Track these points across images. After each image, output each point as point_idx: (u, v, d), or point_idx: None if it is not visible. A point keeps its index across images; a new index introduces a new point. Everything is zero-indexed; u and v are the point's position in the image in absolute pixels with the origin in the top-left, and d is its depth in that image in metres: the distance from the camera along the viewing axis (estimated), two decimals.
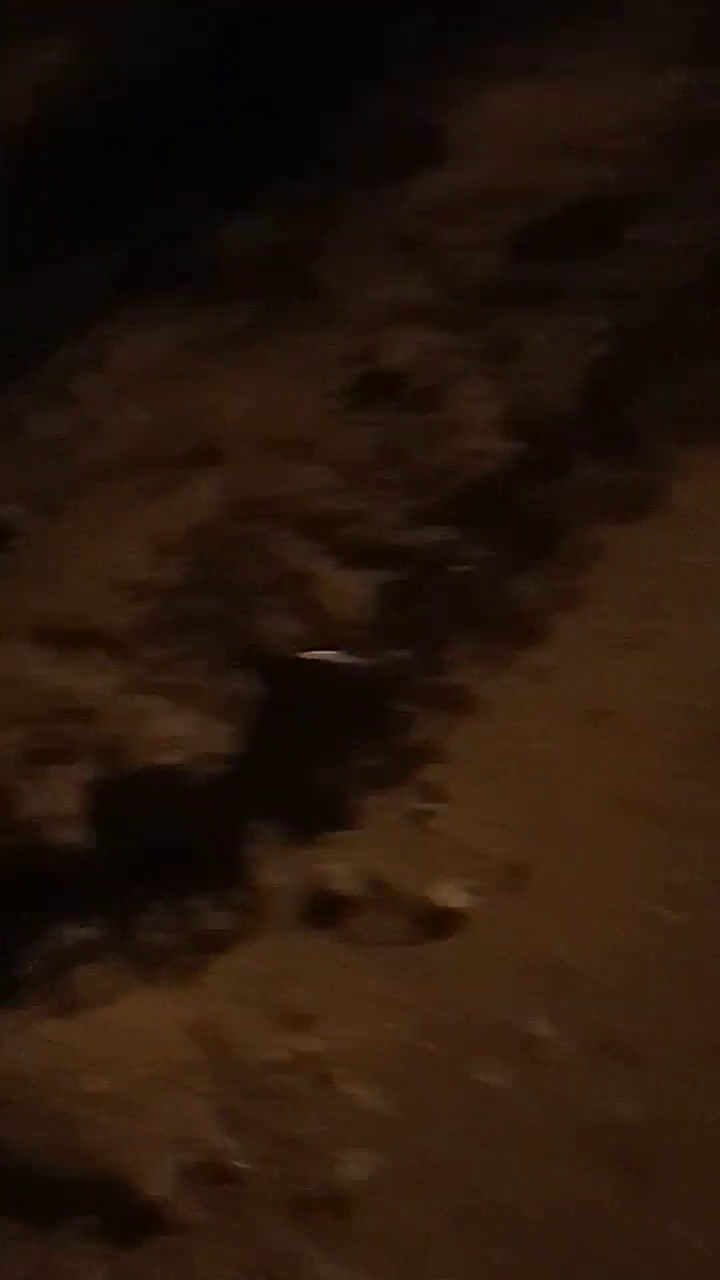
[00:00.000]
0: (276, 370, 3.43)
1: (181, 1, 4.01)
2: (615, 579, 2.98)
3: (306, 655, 2.95)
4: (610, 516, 3.06)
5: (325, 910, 2.64)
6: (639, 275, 3.45)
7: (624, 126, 3.65)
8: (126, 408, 3.41)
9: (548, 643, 2.94)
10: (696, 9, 3.88)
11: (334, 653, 2.98)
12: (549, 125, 3.75)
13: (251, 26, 3.96)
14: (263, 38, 4.01)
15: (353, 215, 3.69)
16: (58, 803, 2.80)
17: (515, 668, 2.87)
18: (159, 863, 2.71)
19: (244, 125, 3.86)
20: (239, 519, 3.19)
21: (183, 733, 2.83)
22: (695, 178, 3.57)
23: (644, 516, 3.08)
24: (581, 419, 3.20)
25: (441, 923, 2.62)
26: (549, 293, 3.47)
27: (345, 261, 3.56)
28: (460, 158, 3.71)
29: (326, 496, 3.19)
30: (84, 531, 3.22)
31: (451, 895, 2.65)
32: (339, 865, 2.69)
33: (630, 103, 3.68)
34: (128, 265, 3.62)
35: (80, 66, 3.92)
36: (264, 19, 3.95)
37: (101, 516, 3.24)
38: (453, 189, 3.72)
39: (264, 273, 3.62)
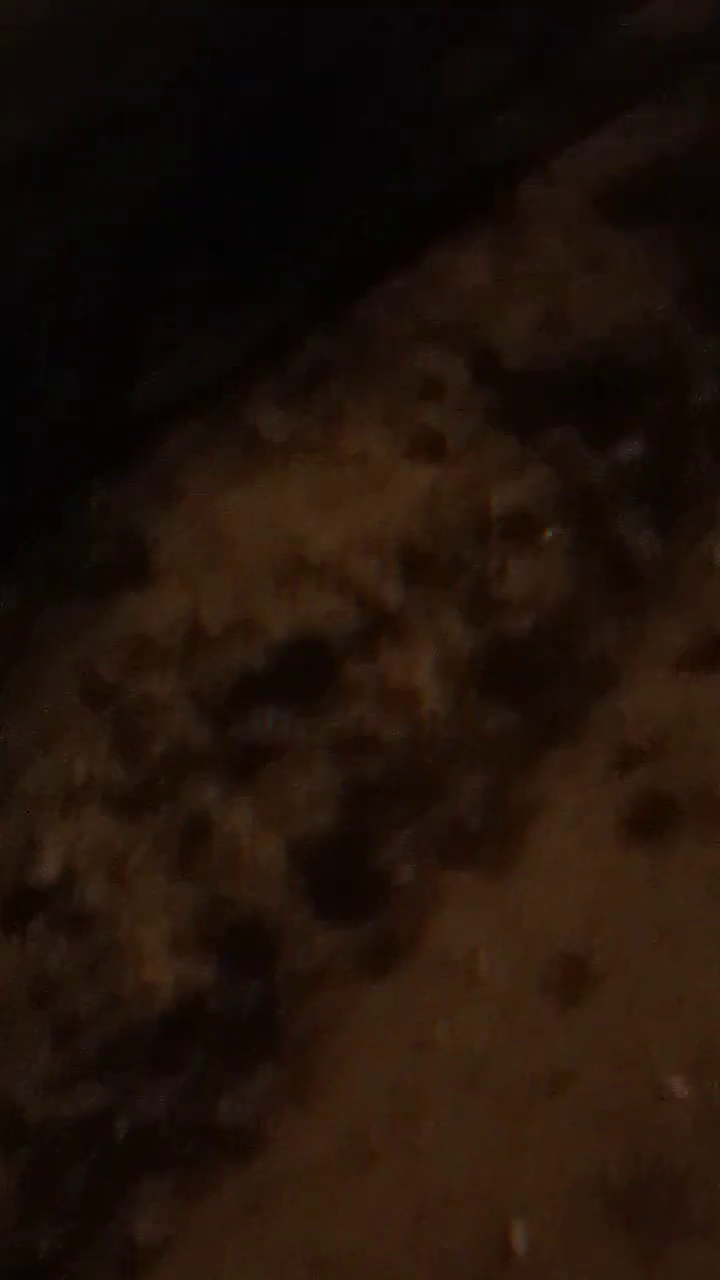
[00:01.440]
0: None
1: None
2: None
3: None
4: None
5: None
6: (371, 720, 2.82)
7: (364, 543, 2.97)
8: None
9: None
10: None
11: None
12: (274, 543, 3.07)
13: None
14: None
15: (40, 643, 3.08)
16: None
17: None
18: None
19: None
20: None
21: None
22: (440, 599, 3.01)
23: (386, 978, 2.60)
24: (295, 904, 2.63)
25: None
26: (259, 756, 2.84)
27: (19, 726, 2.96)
28: (167, 580, 3.00)
29: None
30: None
31: None
32: None
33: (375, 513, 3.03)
34: None
35: None
36: None
37: None
38: (154, 621, 3.04)
39: None
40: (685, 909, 2.70)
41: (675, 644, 3.01)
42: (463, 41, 3.90)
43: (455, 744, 2.80)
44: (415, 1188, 2.40)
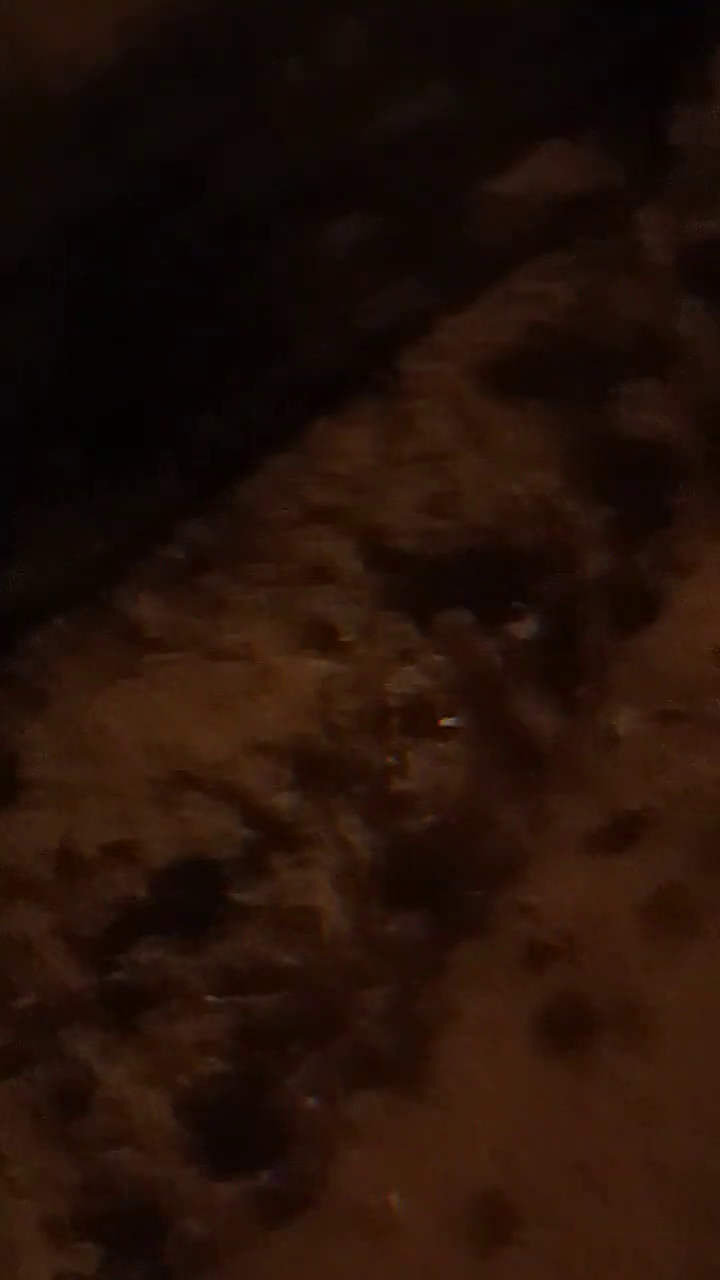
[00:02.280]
0: None
1: None
2: None
3: None
4: None
5: None
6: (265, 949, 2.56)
7: (253, 747, 2.68)
8: None
9: None
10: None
11: None
12: (155, 752, 2.80)
13: None
14: None
15: None
16: None
17: None
18: None
19: None
20: None
21: None
22: None
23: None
24: None
25: None
26: (142, 1000, 2.54)
27: None
28: (35, 798, 2.72)
29: None
30: None
31: None
32: None
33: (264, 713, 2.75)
34: None
35: None
36: None
37: None
38: (21, 847, 2.71)
39: None
40: (609, 1139, 2.50)
41: (581, 826, 2.89)
42: (335, 212, 3.94)
43: (357, 961, 2.58)
44: None
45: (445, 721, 2.85)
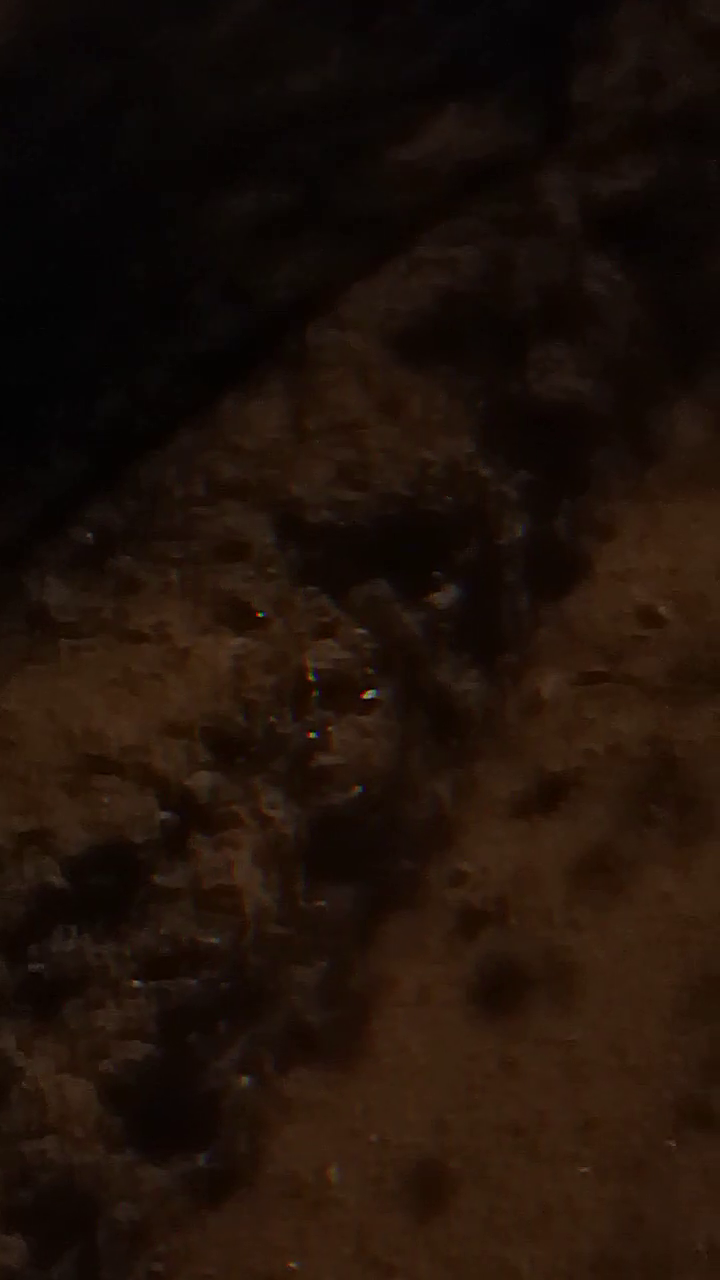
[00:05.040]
0: None
1: None
2: None
3: None
4: None
5: None
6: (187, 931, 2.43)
7: (167, 729, 2.58)
8: None
9: None
10: None
11: None
12: (67, 738, 2.64)
13: None
14: None
15: None
16: None
17: None
18: None
19: None
20: None
21: None
22: None
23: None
24: None
25: None
26: (62, 989, 2.40)
27: None
28: None
29: None
30: None
31: None
32: None
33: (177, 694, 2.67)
34: None
35: None
36: None
37: None
38: None
39: None
40: (539, 1098, 2.51)
41: (509, 790, 2.91)
42: (236, 181, 3.78)
43: (285, 937, 2.58)
44: None
45: (367, 694, 2.82)
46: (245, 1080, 2.45)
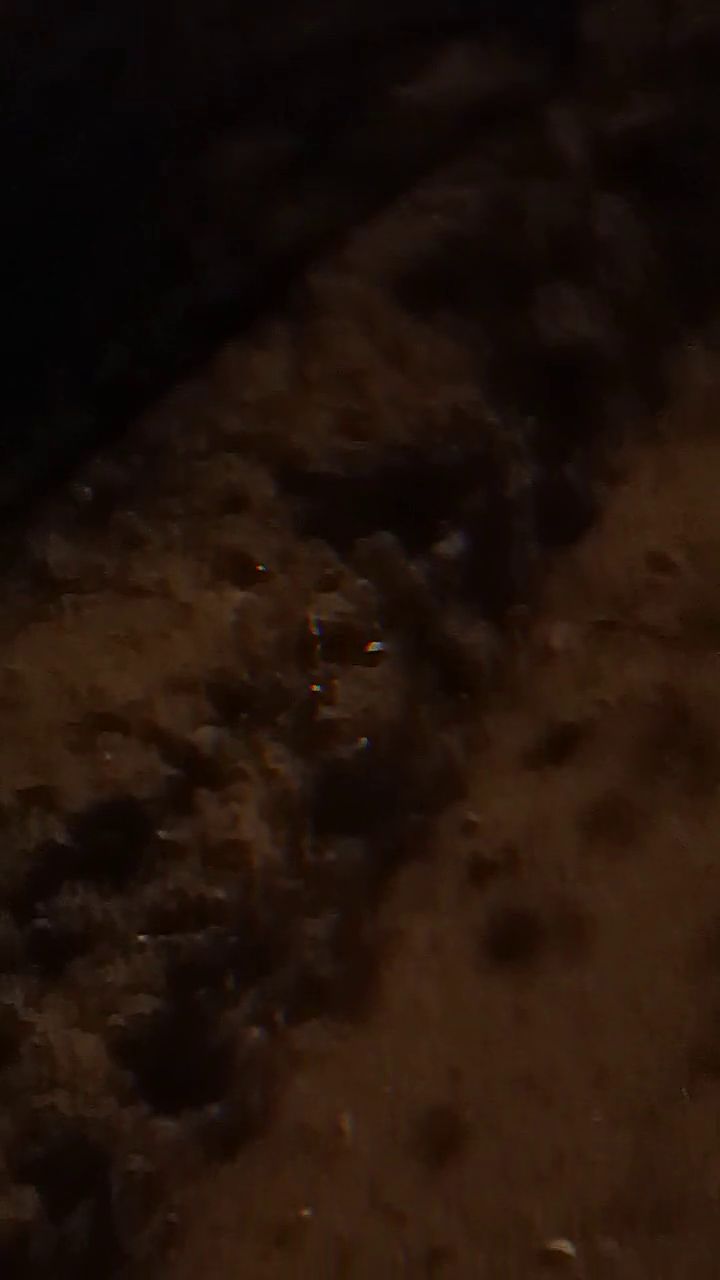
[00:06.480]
0: None
1: None
2: None
3: None
4: None
5: None
6: (194, 887, 2.43)
7: (171, 685, 2.57)
8: None
9: None
10: None
11: None
12: (71, 695, 2.64)
13: None
14: None
15: None
16: None
17: None
18: None
19: None
20: None
21: None
22: None
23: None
24: None
25: None
26: (69, 946, 2.42)
27: None
28: None
29: None
30: None
31: None
32: None
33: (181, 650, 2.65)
34: None
35: None
36: None
37: None
38: None
39: None
40: (552, 1048, 2.50)
41: (519, 742, 2.90)
42: (237, 126, 3.73)
43: (294, 890, 2.57)
44: None
45: (372, 646, 2.80)
46: (256, 1033, 2.46)
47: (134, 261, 3.32)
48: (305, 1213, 2.44)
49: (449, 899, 2.72)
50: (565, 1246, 2.48)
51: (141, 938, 2.38)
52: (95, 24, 4.20)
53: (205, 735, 2.55)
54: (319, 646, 2.71)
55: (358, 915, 2.66)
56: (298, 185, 3.58)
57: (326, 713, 2.68)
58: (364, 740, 2.68)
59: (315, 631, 2.72)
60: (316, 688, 2.69)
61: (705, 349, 3.64)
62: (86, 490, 2.91)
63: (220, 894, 2.43)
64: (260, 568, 2.79)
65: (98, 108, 3.84)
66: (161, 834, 2.44)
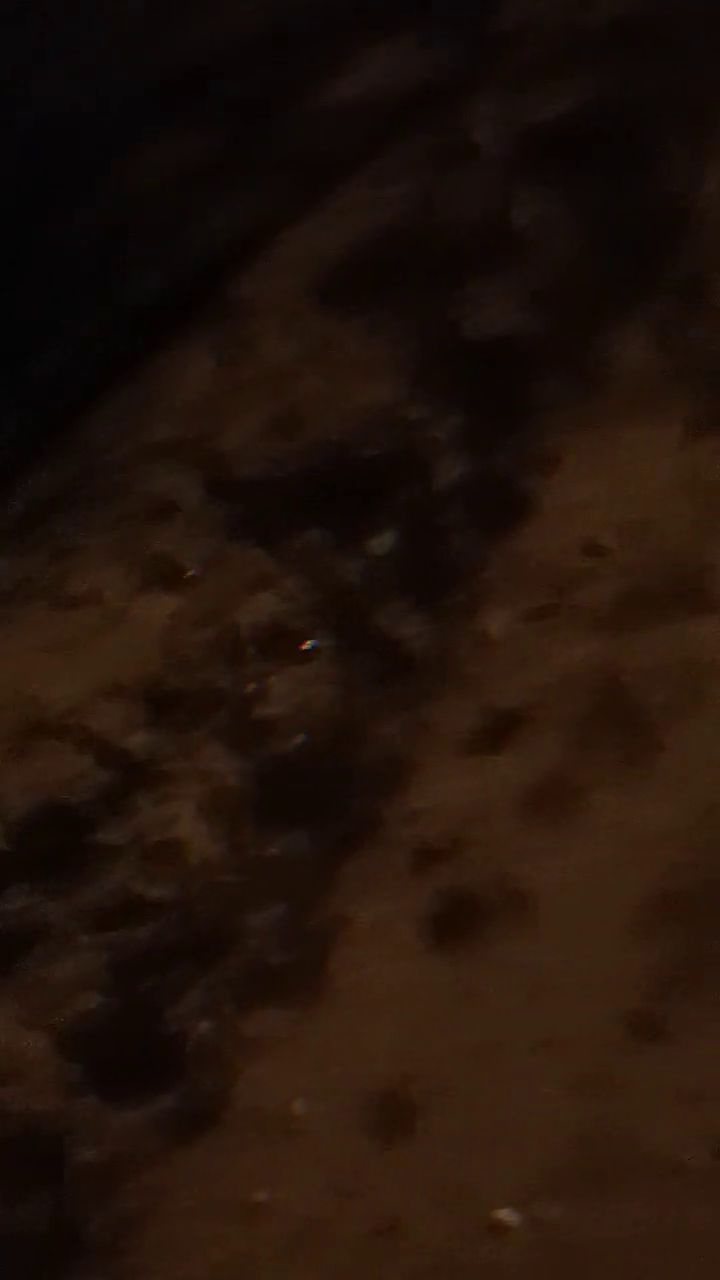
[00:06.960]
0: None
1: None
2: None
3: None
4: None
5: None
6: (134, 885, 2.53)
7: (104, 690, 2.64)
8: None
9: None
10: None
11: None
12: (6, 703, 2.74)
13: None
14: None
15: None
16: None
17: None
18: None
19: None
20: None
21: None
22: None
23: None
24: None
25: None
26: (13, 946, 2.52)
27: None
28: None
29: None
30: None
31: None
32: None
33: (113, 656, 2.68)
34: None
35: None
36: None
37: None
38: None
39: None
40: (500, 1021, 2.54)
41: (459, 729, 2.92)
42: (160, 124, 3.84)
43: (237, 885, 2.61)
44: None
45: (305, 644, 2.85)
46: (206, 1024, 2.49)
47: (66, 267, 3.35)
48: (261, 1194, 2.49)
49: (395, 884, 2.74)
50: (510, 1216, 2.63)
51: (84, 937, 2.44)
52: (11, 28, 4.24)
53: (139, 739, 2.64)
54: (251, 647, 2.76)
55: (305, 905, 2.70)
56: (223, 185, 3.67)
57: (262, 710, 2.74)
58: (302, 735, 2.74)
59: (246, 632, 2.76)
60: (251, 686, 2.74)
61: (634, 332, 3.79)
62: (17, 500, 2.99)
63: (159, 892, 2.50)
64: (189, 573, 2.84)
65: (19, 110, 3.90)
66: (99, 837, 2.51)
